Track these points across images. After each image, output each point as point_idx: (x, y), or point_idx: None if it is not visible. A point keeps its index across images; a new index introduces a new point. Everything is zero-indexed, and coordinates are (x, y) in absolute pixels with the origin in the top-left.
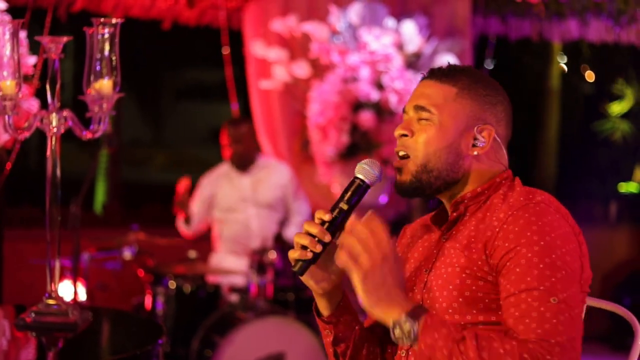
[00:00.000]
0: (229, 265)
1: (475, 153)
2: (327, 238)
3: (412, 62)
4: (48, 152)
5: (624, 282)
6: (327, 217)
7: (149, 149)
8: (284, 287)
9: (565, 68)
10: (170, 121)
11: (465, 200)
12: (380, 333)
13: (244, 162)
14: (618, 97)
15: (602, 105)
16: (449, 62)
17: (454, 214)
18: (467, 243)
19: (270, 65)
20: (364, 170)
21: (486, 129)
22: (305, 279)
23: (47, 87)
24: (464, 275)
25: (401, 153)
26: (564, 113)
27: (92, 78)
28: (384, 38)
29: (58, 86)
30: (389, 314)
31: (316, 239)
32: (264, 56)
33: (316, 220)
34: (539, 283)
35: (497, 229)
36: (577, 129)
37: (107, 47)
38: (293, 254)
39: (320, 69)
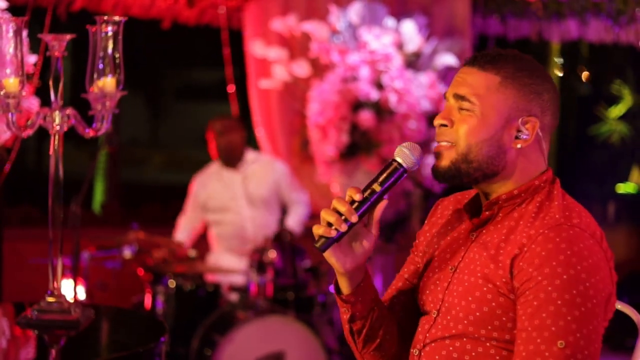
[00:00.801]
0: (226, 264)
1: (519, 146)
2: (354, 218)
3: (412, 61)
4: (51, 150)
5: (622, 282)
6: (357, 196)
7: (147, 149)
8: (283, 286)
9: (561, 70)
10: (169, 121)
11: (500, 202)
12: (399, 314)
13: (231, 156)
14: (616, 98)
15: (599, 107)
16: (494, 47)
17: (487, 212)
18: (494, 254)
19: (270, 65)
20: (403, 153)
21: (530, 121)
22: (328, 255)
23: (50, 84)
24: (485, 288)
25: (443, 143)
26: (561, 114)
27: (95, 76)
28: (383, 38)
29: (61, 84)
30: None
31: (343, 217)
32: (263, 55)
33: (347, 198)
34: (552, 322)
35: (525, 248)
36: (575, 129)
37: (110, 45)
38: (317, 230)
39: (320, 69)
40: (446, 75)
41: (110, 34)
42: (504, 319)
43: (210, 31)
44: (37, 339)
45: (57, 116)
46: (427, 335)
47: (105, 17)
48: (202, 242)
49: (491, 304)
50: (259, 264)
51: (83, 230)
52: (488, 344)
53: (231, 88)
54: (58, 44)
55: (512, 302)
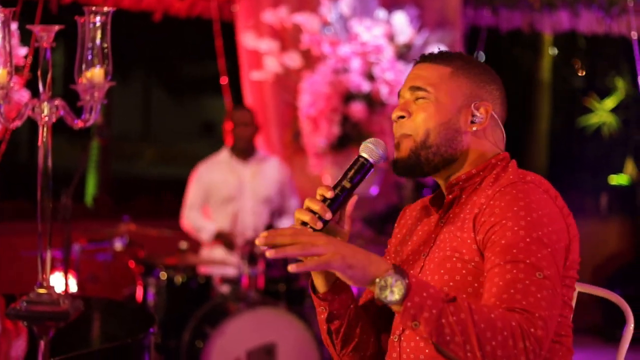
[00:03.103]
0: (221, 256)
1: (474, 129)
2: (328, 215)
3: (403, 53)
4: (40, 142)
5: (614, 274)
6: (329, 194)
7: (140, 142)
8: (275, 278)
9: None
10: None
11: (460, 182)
12: (374, 312)
13: (248, 148)
14: (609, 89)
15: (591, 98)
16: (439, 48)
17: (449, 196)
18: (460, 225)
19: (261, 57)
20: (368, 149)
21: (483, 105)
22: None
23: (39, 76)
24: (454, 258)
25: (402, 133)
26: (554, 105)
27: (83, 67)
28: (375, 29)
29: (49, 75)
30: (374, 271)
31: (317, 215)
32: (255, 47)
33: (317, 197)
34: (525, 256)
35: (484, 206)
36: (568, 121)
37: (98, 36)
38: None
39: (311, 60)
40: None
41: (98, 24)
42: (476, 285)
43: (201, 24)
44: (28, 330)
45: (45, 107)
46: None
47: (94, 8)
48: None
49: (462, 272)
50: (250, 256)
51: (74, 222)
52: None
53: (224, 80)
54: (46, 34)
55: (479, 265)
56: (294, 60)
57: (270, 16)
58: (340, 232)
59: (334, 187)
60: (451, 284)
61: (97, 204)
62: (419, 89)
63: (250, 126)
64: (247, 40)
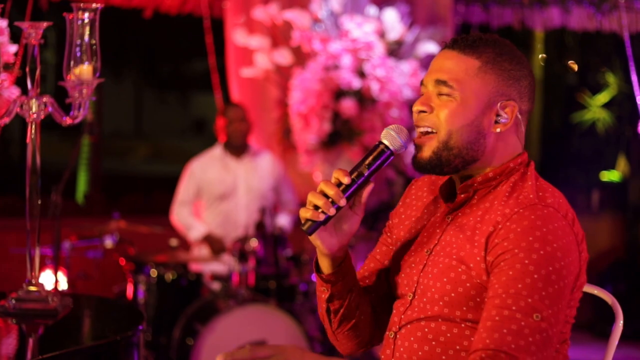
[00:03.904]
0: (208, 253)
1: (498, 130)
2: (343, 202)
3: (394, 50)
4: (28, 139)
5: (606, 270)
6: (346, 179)
7: (132, 140)
8: (265, 275)
9: (544, 60)
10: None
11: (475, 184)
12: (371, 295)
13: (242, 144)
14: (601, 86)
15: (582, 94)
16: (476, 31)
17: (462, 195)
18: (470, 235)
19: (251, 53)
20: (390, 136)
21: (509, 105)
22: (313, 238)
23: (27, 72)
24: (460, 269)
25: (423, 129)
26: (546, 102)
27: (72, 64)
28: (365, 26)
29: (38, 72)
30: None
31: (330, 200)
32: (245, 44)
33: (333, 180)
34: (528, 294)
35: (499, 225)
36: (560, 117)
37: (87, 32)
38: (305, 213)
39: (301, 57)
40: (428, 63)
41: (87, 21)
42: (478, 299)
43: (192, 21)
44: (17, 327)
45: (33, 104)
46: (403, 317)
47: (82, 4)
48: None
49: (466, 285)
50: (240, 253)
51: (65, 220)
52: (463, 325)
53: (214, 77)
54: (35, 31)
55: (484, 283)
56: (284, 57)
57: (261, 13)
58: (351, 219)
59: (351, 172)
60: (453, 294)
61: (88, 201)
62: (443, 83)
63: (245, 122)
64: (238, 37)
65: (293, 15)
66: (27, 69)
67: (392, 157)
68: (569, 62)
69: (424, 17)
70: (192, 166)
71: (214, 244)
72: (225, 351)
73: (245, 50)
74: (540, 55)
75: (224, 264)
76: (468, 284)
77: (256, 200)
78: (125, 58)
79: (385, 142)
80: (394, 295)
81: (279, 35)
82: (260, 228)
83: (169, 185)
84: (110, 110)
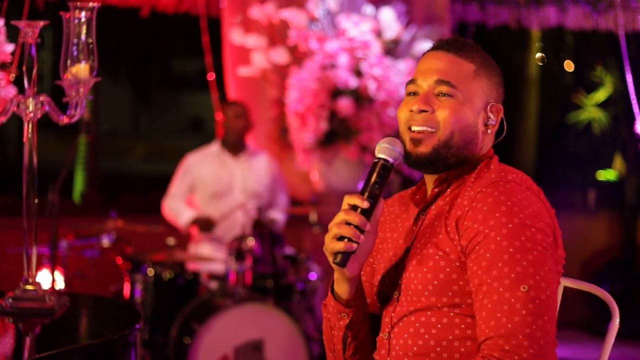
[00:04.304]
0: (208, 253)
1: (489, 132)
2: (368, 227)
3: (391, 49)
4: (25, 138)
5: (602, 269)
6: (365, 204)
7: (129, 139)
8: (262, 274)
9: (542, 60)
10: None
11: (450, 178)
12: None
13: (239, 142)
14: (597, 85)
15: (579, 94)
16: (456, 36)
17: (436, 189)
18: (443, 221)
19: (248, 52)
20: (387, 149)
21: (496, 107)
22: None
23: (24, 71)
24: (437, 257)
25: (421, 128)
26: (542, 101)
27: (69, 63)
28: (362, 25)
29: (35, 71)
30: None
31: (356, 227)
32: (242, 43)
33: (345, 206)
34: (510, 269)
35: (466, 208)
36: (556, 117)
37: (83, 32)
38: (336, 245)
39: (298, 56)
40: None
41: (83, 20)
42: (461, 282)
43: (190, 20)
44: (14, 326)
45: (30, 103)
46: (393, 315)
47: (78, 4)
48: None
49: (446, 270)
50: (237, 252)
51: (63, 219)
52: (452, 314)
53: (211, 76)
54: (31, 30)
55: (464, 264)
56: (281, 56)
57: (258, 12)
58: (368, 237)
59: (366, 196)
60: (435, 282)
61: (85, 200)
62: (446, 83)
63: (241, 119)
64: (235, 36)
65: (290, 14)
66: (24, 68)
67: (393, 168)
68: (563, 56)
69: (421, 16)
70: (188, 160)
71: (204, 223)
72: (224, 345)
73: (242, 49)
74: (537, 55)
75: (221, 263)
76: (448, 269)
77: (252, 199)
78: (123, 57)
79: (383, 156)
80: (383, 303)
81: (276, 34)
82: (257, 227)
83: (166, 185)
84: (108, 109)
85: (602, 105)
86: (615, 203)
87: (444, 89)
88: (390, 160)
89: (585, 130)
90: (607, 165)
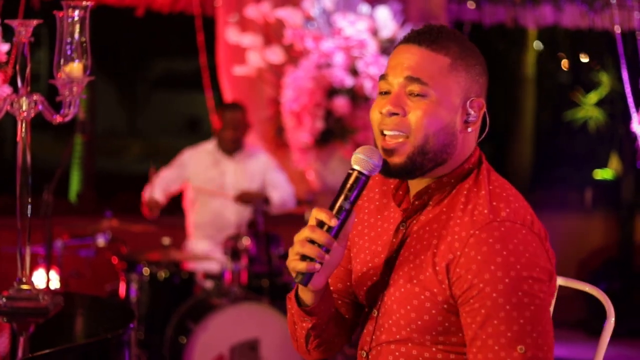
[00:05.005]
0: (205, 251)
1: (469, 130)
2: (335, 245)
3: (387, 47)
4: (18, 137)
5: (599, 268)
6: (333, 222)
7: (125, 138)
8: (258, 274)
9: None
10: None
11: (430, 191)
12: (336, 302)
13: (236, 147)
14: (594, 84)
15: (576, 93)
16: (430, 24)
17: (417, 203)
18: (430, 255)
19: (244, 52)
20: (361, 160)
21: (477, 102)
22: None
23: (17, 71)
24: (423, 297)
25: (392, 133)
26: (539, 100)
27: (62, 62)
28: (358, 24)
29: (28, 70)
30: None
31: (323, 248)
32: (237, 42)
33: (313, 221)
34: (506, 328)
35: (458, 252)
36: (553, 116)
37: (77, 30)
38: (298, 265)
39: (294, 55)
40: None
41: (77, 19)
42: (446, 324)
43: (184, 19)
44: (8, 326)
45: (24, 102)
46: (373, 337)
47: (72, 2)
48: (176, 231)
49: (431, 312)
50: (233, 251)
51: (58, 218)
52: (434, 349)
53: (206, 76)
54: (25, 29)
55: (452, 308)
56: (277, 55)
57: (253, 11)
58: (336, 251)
59: (335, 211)
60: (419, 322)
61: (81, 199)
62: (417, 81)
63: (240, 129)
64: (230, 35)
65: (285, 13)
66: (17, 67)
67: (368, 180)
68: (560, 54)
69: (417, 14)
70: (184, 155)
71: (152, 204)
72: (219, 345)
73: (237, 49)
74: (535, 52)
75: (217, 262)
76: (434, 311)
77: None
78: (119, 56)
79: (358, 167)
80: (360, 312)
81: (272, 33)
82: (252, 226)
83: None
84: (104, 109)
85: (599, 104)
86: (612, 202)
87: (415, 88)
88: (366, 172)
89: (582, 129)
90: (604, 164)
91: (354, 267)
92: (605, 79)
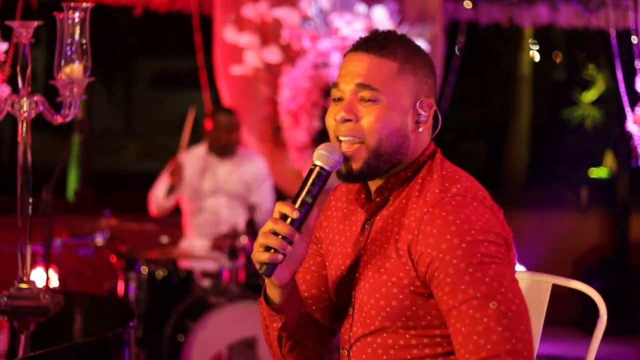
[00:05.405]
0: (201, 250)
1: (421, 130)
2: (297, 237)
3: None
4: (19, 138)
5: (594, 267)
6: (295, 214)
7: (123, 137)
8: (256, 272)
9: (537, 55)
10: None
11: (389, 186)
12: (311, 307)
13: (227, 151)
14: (589, 83)
15: (572, 92)
16: (376, 30)
17: (378, 200)
18: (393, 242)
19: (241, 51)
20: (323, 156)
21: (427, 102)
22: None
23: (18, 71)
24: (390, 283)
25: (348, 139)
26: (535, 99)
27: (62, 63)
28: (355, 24)
29: (29, 71)
30: None
31: (283, 238)
32: (234, 42)
33: (276, 215)
34: (474, 290)
35: (415, 231)
36: (548, 114)
37: (77, 32)
38: (261, 256)
39: (291, 55)
40: None
41: (77, 20)
42: (414, 307)
43: (181, 18)
44: (8, 324)
45: (24, 103)
46: (351, 334)
47: (72, 4)
48: (174, 229)
49: (398, 297)
50: (230, 250)
51: (56, 217)
52: (407, 335)
53: (203, 75)
54: (25, 30)
55: (418, 289)
56: (274, 54)
57: (251, 11)
58: (299, 246)
59: (294, 201)
60: (388, 309)
61: (79, 198)
62: (368, 87)
63: (232, 132)
64: (227, 34)
65: (282, 13)
66: (18, 68)
67: (329, 176)
68: (555, 53)
69: (413, 14)
70: (178, 160)
71: (175, 173)
72: (217, 343)
73: (234, 48)
74: (531, 52)
75: (215, 261)
76: (401, 296)
77: (237, 201)
78: (116, 55)
79: (319, 163)
80: (338, 314)
81: (269, 33)
82: (250, 225)
83: None
84: (101, 108)
85: (594, 102)
86: (607, 200)
87: (366, 94)
88: (327, 168)
89: (578, 128)
90: (599, 162)
91: (329, 274)
92: (599, 78)
